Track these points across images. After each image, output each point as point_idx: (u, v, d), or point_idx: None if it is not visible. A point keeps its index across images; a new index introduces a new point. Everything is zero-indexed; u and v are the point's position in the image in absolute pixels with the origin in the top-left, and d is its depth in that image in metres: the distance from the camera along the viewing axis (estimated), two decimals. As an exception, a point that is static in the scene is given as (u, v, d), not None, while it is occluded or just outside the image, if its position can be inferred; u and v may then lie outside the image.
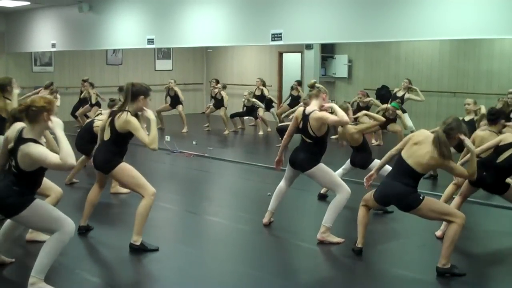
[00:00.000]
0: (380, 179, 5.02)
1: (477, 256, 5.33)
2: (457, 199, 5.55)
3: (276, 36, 8.61)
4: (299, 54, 14.95)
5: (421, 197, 4.52)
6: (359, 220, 4.97)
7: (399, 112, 10.04)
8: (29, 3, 12.12)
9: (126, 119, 4.87)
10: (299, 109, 5.61)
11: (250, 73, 16.11)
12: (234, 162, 9.68)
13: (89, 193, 5.49)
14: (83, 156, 7.48)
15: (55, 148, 3.95)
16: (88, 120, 8.17)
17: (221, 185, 8.51)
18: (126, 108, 4.93)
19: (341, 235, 5.41)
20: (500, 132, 5.66)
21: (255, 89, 13.57)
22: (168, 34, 10.31)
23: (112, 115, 5.06)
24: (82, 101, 13.36)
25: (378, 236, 5.65)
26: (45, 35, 12.84)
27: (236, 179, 8.80)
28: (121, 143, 5.07)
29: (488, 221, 6.41)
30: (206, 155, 10.04)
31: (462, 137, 4.48)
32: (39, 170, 3.92)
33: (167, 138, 10.76)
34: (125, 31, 11.05)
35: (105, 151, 5.09)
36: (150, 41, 10.53)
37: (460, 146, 5.03)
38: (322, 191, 6.98)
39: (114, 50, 15.72)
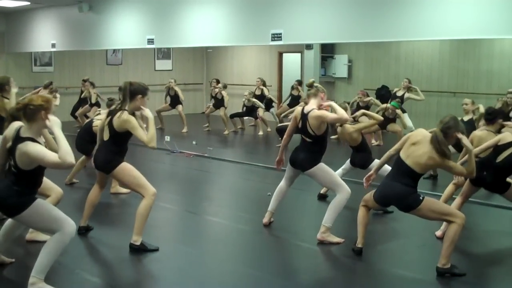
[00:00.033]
0: (379, 179, 5.02)
1: (477, 256, 5.33)
2: (458, 200, 5.55)
3: (276, 36, 8.61)
4: (299, 54, 14.96)
5: (421, 198, 4.52)
6: (359, 220, 4.97)
7: (398, 111, 10.02)
8: (29, 3, 12.13)
9: (124, 118, 4.88)
10: (298, 109, 5.61)
11: (250, 73, 16.12)
12: (234, 162, 9.68)
13: (89, 194, 5.49)
14: (83, 156, 7.48)
15: (55, 147, 3.94)
16: (87, 120, 8.17)
17: (221, 185, 8.51)
18: (125, 108, 4.94)
19: (341, 235, 5.41)
20: (499, 132, 5.66)
21: (255, 89, 13.58)
22: (168, 34, 10.31)
23: (110, 115, 5.07)
24: (82, 101, 13.36)
25: (378, 236, 5.66)
26: (45, 35, 12.84)
27: (236, 179, 8.80)
28: (120, 142, 5.07)
29: (488, 221, 6.41)
30: (206, 155, 10.04)
31: (460, 135, 4.47)
32: (38, 169, 3.92)
33: (167, 138, 10.76)
34: (125, 31, 11.05)
35: (105, 151, 5.09)
36: (150, 41, 10.53)
37: (460, 146, 5.03)
38: (322, 191, 6.99)
39: (114, 50, 15.71)
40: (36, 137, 3.89)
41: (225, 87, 13.67)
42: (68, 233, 3.98)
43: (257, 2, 8.98)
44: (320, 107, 5.39)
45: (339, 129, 6.67)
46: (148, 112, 4.96)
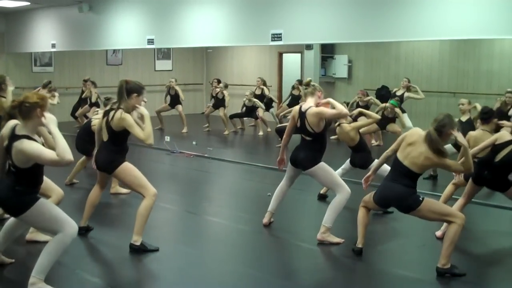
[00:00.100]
0: (379, 179, 5.02)
1: (477, 256, 5.33)
2: (461, 200, 5.53)
3: (276, 36, 8.61)
4: (299, 54, 14.95)
5: (420, 198, 4.52)
6: (359, 220, 4.97)
7: (397, 110, 9.95)
8: (29, 3, 12.13)
9: (120, 116, 4.89)
10: (296, 108, 5.62)
11: (250, 73, 16.12)
12: (234, 162, 9.68)
13: (89, 194, 5.49)
14: (83, 157, 7.47)
15: (53, 145, 3.93)
16: (86, 121, 8.17)
17: (221, 185, 8.51)
18: (120, 106, 4.94)
19: (341, 235, 5.40)
20: (496, 131, 5.66)
21: (255, 89, 13.58)
22: (168, 34, 10.32)
23: (106, 115, 5.07)
24: (82, 101, 13.36)
25: (378, 236, 5.66)
26: (45, 35, 12.84)
27: (236, 179, 8.80)
28: (119, 141, 5.08)
29: (487, 221, 6.41)
30: (206, 155, 10.04)
31: (455, 133, 4.47)
32: (36, 167, 3.90)
33: (167, 138, 10.76)
34: (125, 31, 11.05)
35: (106, 151, 5.10)
36: (150, 41, 10.53)
37: (459, 145, 5.03)
38: (322, 191, 6.99)
39: (114, 50, 15.72)
40: (32, 135, 3.87)
41: (226, 86, 13.68)
42: (69, 234, 3.98)
43: (257, 2, 8.98)
44: (317, 105, 5.39)
45: (338, 129, 6.68)
46: (143, 110, 4.97)
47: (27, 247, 5.06)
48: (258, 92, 13.45)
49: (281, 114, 12.11)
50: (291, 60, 15.67)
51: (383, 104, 10.40)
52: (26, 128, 3.86)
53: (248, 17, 9.08)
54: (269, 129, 13.04)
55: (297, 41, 9.48)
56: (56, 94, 11.34)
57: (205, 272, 4.72)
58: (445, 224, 5.19)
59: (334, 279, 4.78)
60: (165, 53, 17.05)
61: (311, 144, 5.43)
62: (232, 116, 13.39)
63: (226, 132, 13.02)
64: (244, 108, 13.27)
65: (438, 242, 5.25)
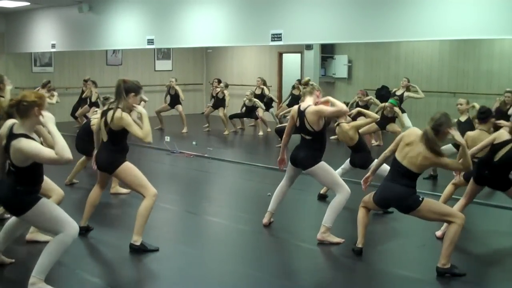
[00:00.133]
0: (379, 179, 5.02)
1: (477, 256, 5.33)
2: (462, 201, 5.52)
3: (276, 37, 8.61)
4: (299, 55, 14.95)
5: (420, 199, 4.52)
6: (359, 220, 4.97)
7: (396, 109, 9.93)
8: (29, 3, 12.13)
9: (118, 116, 4.89)
10: (294, 108, 5.62)
11: (250, 73, 16.12)
12: (234, 163, 9.68)
13: (90, 194, 5.49)
14: (83, 157, 7.47)
15: (53, 144, 3.92)
16: (86, 120, 8.17)
17: (221, 185, 8.51)
18: (118, 106, 4.94)
19: (341, 235, 5.41)
20: (495, 129, 5.66)
21: (255, 88, 13.58)
22: (168, 35, 10.31)
23: (104, 115, 5.08)
24: (82, 101, 13.36)
25: (378, 236, 5.66)
26: (45, 36, 12.84)
27: (236, 179, 8.80)
28: (118, 141, 5.08)
29: (487, 221, 6.41)
30: (206, 155, 10.04)
31: (452, 131, 4.46)
32: (35, 166, 3.89)
33: (167, 138, 10.76)
34: (125, 32, 11.05)
35: (106, 151, 5.10)
36: (150, 42, 10.53)
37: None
38: (322, 191, 6.99)
39: (114, 51, 15.72)
40: (30, 133, 3.87)
41: (226, 86, 13.68)
42: (70, 235, 3.98)
43: (257, 2, 8.98)
44: (316, 104, 5.39)
45: (337, 129, 6.67)
46: (141, 109, 4.98)
47: (27, 247, 5.06)
48: (258, 92, 13.45)
49: (281, 113, 12.11)
50: (291, 60, 15.67)
51: (382, 104, 10.39)
52: (23, 127, 3.86)
53: (248, 17, 9.08)
54: (269, 129, 13.04)
55: (297, 41, 9.48)
56: (55, 93, 11.34)
57: (205, 272, 4.72)
58: (445, 224, 5.18)
59: (334, 279, 4.78)
60: (165, 53, 17.05)
61: (311, 143, 5.43)
62: (232, 117, 13.39)
63: (226, 132, 13.02)
64: (244, 108, 13.27)
65: (438, 242, 5.25)
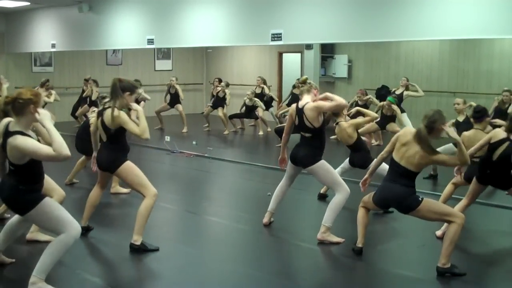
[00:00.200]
0: (379, 179, 5.02)
1: (477, 256, 5.33)
2: (464, 201, 5.51)
3: (276, 36, 8.61)
4: (299, 54, 14.95)
5: (420, 198, 4.52)
6: (359, 220, 4.98)
7: (394, 106, 9.88)
8: (29, 3, 12.13)
9: (114, 114, 4.89)
10: (292, 106, 5.62)
11: (250, 73, 16.12)
12: (234, 162, 9.68)
13: (90, 194, 5.49)
14: (83, 157, 7.47)
15: (50, 142, 3.92)
16: (85, 120, 8.16)
17: (221, 185, 8.51)
18: (114, 105, 4.94)
19: (341, 235, 5.41)
20: (493, 127, 5.66)
21: (255, 88, 13.58)
22: (168, 34, 10.31)
23: (100, 115, 5.08)
24: (82, 101, 13.34)
25: (378, 236, 5.66)
26: (45, 35, 12.84)
27: (236, 179, 8.80)
28: (118, 139, 5.09)
29: (487, 221, 6.41)
30: (206, 155, 10.04)
31: (446, 128, 4.46)
32: (33, 163, 3.88)
33: (167, 138, 10.76)
34: (125, 31, 11.05)
35: (107, 151, 5.11)
36: (150, 41, 10.53)
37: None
38: (322, 191, 6.99)
39: (114, 50, 15.71)
40: (26, 131, 3.86)
41: (227, 85, 13.68)
42: (72, 235, 3.98)
43: (257, 2, 8.98)
44: (314, 102, 5.39)
45: (336, 128, 6.66)
46: (136, 106, 5.00)
47: (27, 247, 5.06)
48: (258, 91, 13.45)
49: (280, 112, 12.11)
50: (291, 60, 15.67)
51: (381, 103, 10.36)
52: (19, 124, 3.86)
53: (248, 17, 9.08)
54: (269, 129, 13.04)
55: (297, 41, 9.48)
56: (53, 92, 11.33)
57: (205, 272, 4.72)
58: (445, 224, 5.19)
59: (334, 279, 4.78)
60: (165, 53, 17.05)
61: (311, 141, 5.44)
62: (231, 116, 13.39)
63: (226, 132, 13.02)
64: (244, 107, 13.26)
65: (438, 242, 5.25)
